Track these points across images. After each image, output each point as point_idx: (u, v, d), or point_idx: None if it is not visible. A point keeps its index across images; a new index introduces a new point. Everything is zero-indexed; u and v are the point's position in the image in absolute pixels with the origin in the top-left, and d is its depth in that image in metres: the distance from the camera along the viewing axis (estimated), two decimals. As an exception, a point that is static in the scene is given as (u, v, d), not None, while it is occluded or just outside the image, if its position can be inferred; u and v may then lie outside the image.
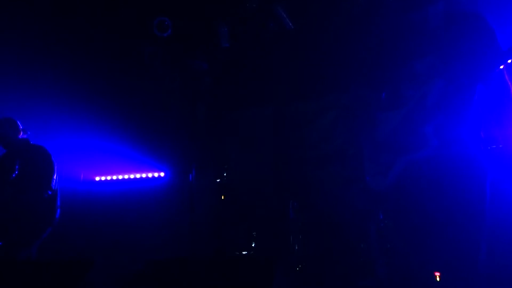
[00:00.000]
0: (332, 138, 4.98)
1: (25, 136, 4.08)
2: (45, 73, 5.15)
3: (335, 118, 5.01)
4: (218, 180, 5.41)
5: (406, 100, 2.71)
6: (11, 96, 5.19)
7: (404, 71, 2.71)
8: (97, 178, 6.08)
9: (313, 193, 4.88)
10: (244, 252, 4.96)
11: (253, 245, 4.95)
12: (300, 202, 4.79)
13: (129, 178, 5.97)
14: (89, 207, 5.71)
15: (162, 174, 5.87)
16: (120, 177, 6.01)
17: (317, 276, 4.39)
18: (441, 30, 2.64)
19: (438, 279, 2.99)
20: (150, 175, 5.90)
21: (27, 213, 3.73)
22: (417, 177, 2.70)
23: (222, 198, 5.40)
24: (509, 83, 3.07)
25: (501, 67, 2.77)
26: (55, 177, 3.95)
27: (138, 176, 5.94)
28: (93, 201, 5.81)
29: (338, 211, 4.65)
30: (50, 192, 3.85)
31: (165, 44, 4.91)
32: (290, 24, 4.60)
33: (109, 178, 6.04)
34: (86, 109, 5.56)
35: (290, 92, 5.19)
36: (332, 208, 4.70)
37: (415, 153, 2.68)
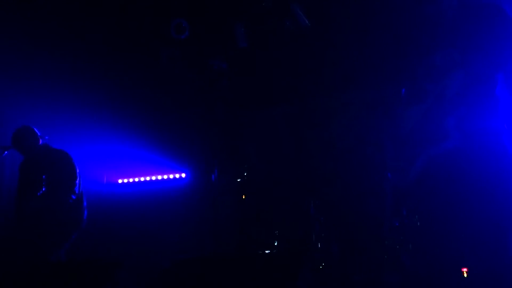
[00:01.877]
0: (353, 134, 4.95)
1: (44, 141, 4.10)
2: (66, 79, 5.25)
3: (355, 114, 4.97)
4: (238, 180, 5.44)
5: (427, 94, 2.68)
6: (40, 105, 5.31)
7: (422, 65, 2.68)
8: (120, 181, 6.16)
9: (335, 190, 4.85)
10: (267, 251, 4.97)
11: (275, 244, 4.96)
12: (322, 199, 4.77)
13: (151, 180, 6.04)
14: (113, 209, 5.80)
15: (183, 175, 5.92)
16: (142, 179, 6.08)
17: (341, 274, 4.37)
18: (458, 22, 2.61)
19: (465, 275, 2.95)
20: (171, 176, 5.96)
21: (54, 217, 3.80)
22: (440, 171, 2.66)
23: (243, 197, 5.42)
24: None
25: None
26: (78, 180, 4.00)
27: (160, 177, 6.00)
28: (117, 203, 5.90)
29: (361, 208, 4.62)
30: (74, 196, 3.91)
31: (183, 46, 4.95)
32: (307, 22, 4.59)
33: (131, 180, 6.12)
34: (107, 113, 5.65)
35: (309, 90, 5.17)
36: (355, 205, 4.67)
37: (437, 146, 2.64)
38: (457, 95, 2.56)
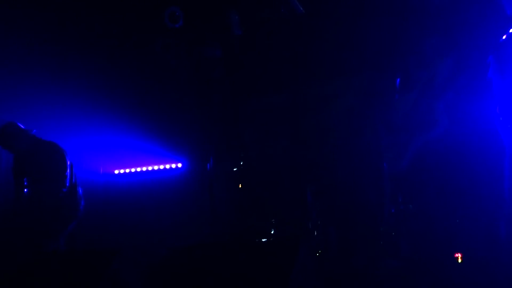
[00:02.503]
0: (348, 122, 4.95)
1: (30, 134, 4.04)
2: (61, 70, 5.22)
3: (350, 102, 4.97)
4: (235, 169, 5.44)
5: (417, 81, 2.70)
6: (30, 95, 5.28)
7: (412, 53, 2.70)
8: (116, 171, 6.16)
9: (331, 177, 4.87)
10: (263, 239, 4.99)
11: (272, 232, 4.98)
12: (318, 187, 4.79)
13: (147, 170, 6.05)
14: (110, 199, 5.81)
15: (179, 165, 5.93)
16: (139, 169, 6.08)
17: (338, 260, 4.40)
18: (447, 9, 2.61)
19: (459, 260, 2.98)
20: (168, 166, 5.97)
21: (46, 209, 3.79)
22: (431, 157, 2.69)
23: (240, 186, 5.43)
24: None
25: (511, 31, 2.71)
26: (68, 171, 3.96)
27: (156, 167, 6.01)
28: (114, 193, 5.91)
29: (357, 195, 4.64)
30: (65, 187, 3.89)
31: (177, 34, 4.91)
32: (301, 9, 4.56)
33: (128, 170, 6.12)
34: (102, 104, 5.63)
35: (304, 77, 5.16)
36: (350, 192, 4.69)
37: (427, 133, 2.67)
38: (446, 81, 2.58)
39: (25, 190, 3.81)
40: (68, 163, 4.00)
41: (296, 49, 4.99)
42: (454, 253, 2.99)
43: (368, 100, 4.55)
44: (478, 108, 2.57)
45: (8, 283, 2.82)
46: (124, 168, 6.13)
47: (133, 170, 6.11)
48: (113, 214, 5.68)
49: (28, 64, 5.03)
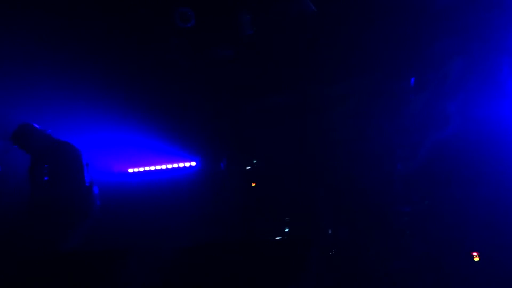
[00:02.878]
0: (358, 122, 4.92)
1: (46, 134, 4.08)
2: (74, 70, 5.27)
3: (359, 102, 4.94)
4: (247, 167, 5.45)
5: (428, 82, 2.69)
6: (44, 95, 5.34)
7: (424, 54, 2.69)
8: (130, 170, 6.22)
9: (342, 177, 4.85)
10: (277, 238, 4.99)
11: (285, 231, 4.98)
12: (330, 186, 4.77)
13: (161, 169, 6.09)
14: (123, 198, 5.86)
15: (193, 163, 5.95)
16: (152, 168, 6.13)
17: (351, 260, 4.38)
18: (458, 11, 2.59)
19: (477, 259, 2.94)
20: (181, 165, 6.00)
21: (62, 209, 3.84)
22: (444, 157, 2.67)
23: (252, 185, 5.43)
24: None
25: None
26: (84, 170, 4.01)
27: (169, 166, 6.04)
28: (127, 192, 5.96)
29: (369, 195, 4.61)
30: (82, 186, 3.93)
31: (189, 34, 4.93)
32: (313, 8, 4.54)
33: (141, 169, 6.17)
34: (115, 103, 5.67)
35: (314, 77, 5.14)
36: (363, 192, 4.66)
37: (440, 133, 2.66)
38: (457, 82, 2.57)
39: (41, 189, 3.86)
40: (84, 162, 4.04)
41: (306, 49, 4.98)
42: (471, 252, 2.95)
43: (377, 100, 4.51)
44: (490, 108, 2.54)
45: (21, 281, 2.87)
46: (138, 166, 6.19)
47: (146, 168, 6.15)
48: (127, 213, 5.73)
49: (42, 64, 5.09)
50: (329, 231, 4.62)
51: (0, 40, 4.69)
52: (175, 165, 6.04)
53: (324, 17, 4.58)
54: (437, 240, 3.25)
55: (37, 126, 4.08)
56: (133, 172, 6.21)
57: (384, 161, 4.32)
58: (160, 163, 6.09)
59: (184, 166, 6.00)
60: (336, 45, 4.75)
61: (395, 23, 2.92)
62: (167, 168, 6.07)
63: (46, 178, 3.88)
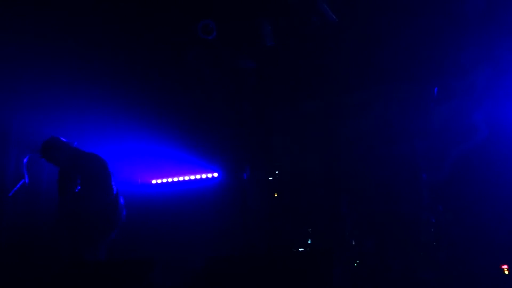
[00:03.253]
0: (383, 130, 4.87)
1: (73, 147, 4.16)
2: (99, 82, 5.37)
3: (384, 110, 4.90)
4: (270, 178, 5.44)
5: (454, 91, 2.65)
6: (69, 107, 5.46)
7: (449, 62, 2.66)
8: (154, 181, 6.28)
9: (366, 187, 4.79)
10: (300, 249, 4.96)
11: (309, 242, 4.94)
12: (354, 196, 4.73)
13: (184, 180, 6.13)
14: (147, 209, 5.91)
15: (215, 174, 5.98)
16: (176, 179, 6.18)
17: (376, 271, 4.31)
18: (485, 19, 2.56)
19: (506, 272, 2.86)
20: (204, 176, 6.03)
21: (91, 218, 3.88)
22: (472, 167, 2.62)
23: (275, 195, 5.42)
24: None
25: None
26: (111, 180, 4.07)
27: (192, 177, 6.08)
28: (151, 203, 6.01)
29: (394, 204, 4.54)
30: (109, 196, 3.98)
31: (211, 46, 4.99)
32: (334, 17, 4.53)
33: (165, 180, 6.23)
34: (139, 115, 5.75)
35: (337, 86, 5.13)
36: (388, 201, 4.60)
37: (466, 143, 2.61)
38: (484, 90, 2.53)
39: (69, 201, 3.91)
40: (111, 171, 4.10)
41: (328, 57, 4.97)
42: (500, 265, 2.87)
43: (402, 108, 4.46)
44: None
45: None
46: (161, 178, 6.24)
47: (170, 180, 6.20)
48: (151, 223, 5.77)
49: (66, 77, 5.20)
50: (353, 242, 4.56)
51: (26, 55, 4.82)
52: (198, 176, 6.07)
53: (347, 25, 4.57)
54: (464, 251, 3.17)
55: (64, 139, 4.17)
56: (157, 183, 6.27)
57: (409, 170, 4.26)
58: (183, 174, 6.14)
59: (207, 177, 6.03)
60: (358, 53, 4.74)
61: (421, 31, 2.90)
62: (190, 179, 6.11)
63: (74, 189, 3.94)
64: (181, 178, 6.14)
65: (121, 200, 4.13)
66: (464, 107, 2.58)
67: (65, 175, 4.03)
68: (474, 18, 2.58)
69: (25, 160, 4.04)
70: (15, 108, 5.21)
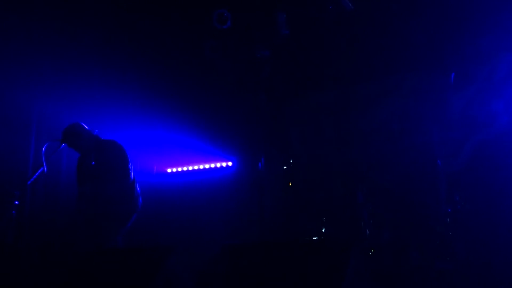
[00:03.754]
0: (399, 119, 4.82)
1: (93, 134, 4.21)
2: (115, 71, 5.41)
3: (400, 99, 4.84)
4: (284, 167, 5.44)
5: (473, 78, 2.59)
6: (88, 96, 5.52)
7: (468, 49, 2.59)
8: (169, 170, 6.33)
9: (382, 176, 4.76)
10: (314, 238, 4.96)
11: (323, 231, 4.94)
12: (369, 185, 4.70)
13: (198, 169, 6.17)
14: (163, 197, 5.97)
15: (230, 163, 6.00)
16: (190, 168, 6.22)
17: (392, 261, 4.30)
18: (507, 5, 2.49)
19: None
20: (218, 165, 6.06)
21: (110, 204, 3.94)
22: (490, 156, 2.57)
23: (289, 184, 5.42)
24: None
25: None
26: (130, 166, 4.12)
27: (207, 166, 6.12)
28: (167, 192, 6.07)
29: (410, 194, 4.51)
30: (127, 184, 4.03)
31: (226, 35, 4.98)
32: (350, 5, 4.48)
33: (180, 169, 6.28)
34: (154, 104, 5.79)
35: (353, 75, 5.08)
36: (404, 191, 4.56)
37: (486, 131, 2.55)
38: (505, 78, 2.47)
39: (88, 187, 3.97)
40: (129, 159, 4.15)
41: (344, 47, 4.92)
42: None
43: (419, 97, 4.40)
44: None
45: (67, 278, 2.97)
46: (176, 166, 6.29)
47: (185, 169, 6.25)
48: (166, 212, 5.83)
49: (84, 65, 5.25)
50: (367, 232, 4.54)
51: (45, 44, 4.87)
52: (212, 165, 6.10)
53: (363, 13, 4.51)
54: (483, 242, 3.13)
55: (86, 126, 4.24)
56: (172, 172, 6.32)
57: (426, 159, 4.21)
58: (198, 163, 6.17)
59: (221, 166, 6.06)
60: (374, 42, 4.68)
61: (439, 17, 2.83)
62: (204, 168, 6.14)
63: (93, 176, 3.99)
64: (196, 167, 6.18)
65: (138, 188, 4.18)
66: (484, 95, 2.53)
67: (84, 161, 4.08)
68: (497, 3, 2.52)
69: (43, 148, 4.09)
70: (35, 97, 5.28)
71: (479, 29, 2.55)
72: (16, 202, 3.89)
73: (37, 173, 4.08)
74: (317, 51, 5.05)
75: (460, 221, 4.10)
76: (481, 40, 2.55)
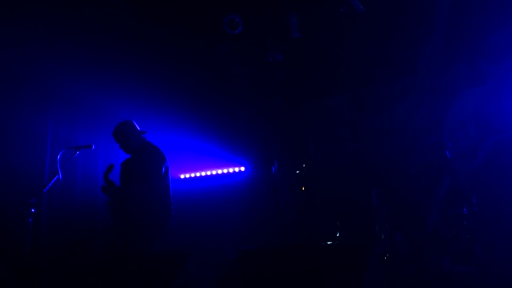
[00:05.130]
0: (414, 121, 4.78)
1: (143, 135, 4.19)
2: (130, 78, 5.45)
3: (416, 101, 4.81)
4: (297, 172, 5.42)
5: (487, 75, 2.54)
6: (102, 104, 5.56)
7: (481, 45, 2.54)
8: (182, 176, 6.35)
9: (397, 179, 4.72)
10: (329, 242, 4.93)
11: (337, 235, 4.91)
12: (384, 189, 4.66)
13: (211, 174, 6.18)
14: (177, 203, 5.98)
15: (242, 168, 6.00)
16: (203, 173, 6.23)
17: (407, 264, 4.25)
18: None
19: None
20: (231, 170, 6.06)
21: (150, 214, 3.90)
22: (507, 156, 2.51)
23: (303, 189, 5.40)
24: None
25: None
26: (163, 173, 4.07)
27: (220, 171, 6.13)
28: (180, 197, 6.08)
29: (425, 197, 4.46)
30: (161, 189, 4.00)
31: (237, 40, 4.99)
32: (361, 7, 4.47)
33: (193, 175, 6.29)
34: (167, 110, 5.82)
35: (367, 77, 5.06)
36: (419, 194, 4.52)
37: (504, 132, 2.49)
38: None
39: (131, 188, 3.94)
40: (165, 165, 4.13)
41: (357, 49, 4.90)
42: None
43: (434, 97, 4.36)
44: None
45: (91, 281, 2.99)
46: (189, 172, 6.31)
47: (198, 174, 6.26)
48: (180, 218, 5.83)
49: (97, 72, 5.29)
50: (382, 235, 4.50)
51: (62, 54, 4.92)
52: (225, 170, 6.11)
53: (374, 15, 4.50)
54: (499, 245, 3.07)
55: (138, 127, 4.23)
56: (185, 177, 6.34)
57: (441, 161, 4.16)
58: (211, 169, 6.18)
59: (234, 172, 6.06)
60: (388, 42, 4.65)
61: (449, 16, 2.79)
62: (217, 174, 6.15)
63: (133, 177, 3.92)
64: (208, 173, 6.19)
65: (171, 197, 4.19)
66: (500, 94, 2.48)
67: (128, 163, 4.05)
68: None
69: (59, 156, 4.12)
70: (51, 105, 5.33)
71: (491, 25, 2.50)
72: (33, 210, 3.91)
73: (52, 181, 4.11)
74: (331, 54, 5.04)
75: (477, 223, 4.03)
76: (493, 37, 2.50)
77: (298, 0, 4.59)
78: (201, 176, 6.25)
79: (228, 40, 4.90)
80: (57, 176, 4.11)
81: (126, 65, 5.25)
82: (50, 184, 4.16)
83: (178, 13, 4.71)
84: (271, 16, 4.76)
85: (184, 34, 5.00)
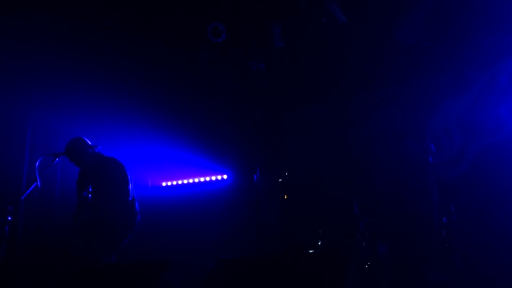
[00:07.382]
0: (395, 129, 4.84)
1: (96, 150, 4.22)
2: (111, 85, 5.41)
3: (397, 108, 4.86)
4: (280, 180, 5.42)
5: (473, 82, 2.54)
6: (82, 111, 5.50)
7: (467, 50, 2.55)
8: (164, 184, 6.30)
9: (378, 188, 4.76)
10: (310, 251, 4.93)
11: (319, 243, 4.92)
12: (365, 197, 4.69)
13: (193, 182, 6.15)
14: (158, 211, 5.93)
15: (225, 176, 5.99)
16: (186, 181, 6.20)
17: (388, 273, 4.28)
18: (508, 4, 2.46)
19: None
20: (213, 178, 6.04)
21: (108, 223, 3.90)
22: (493, 165, 2.51)
23: (285, 197, 5.40)
24: None
25: None
26: (130, 186, 4.10)
27: (202, 179, 6.10)
28: (162, 205, 6.03)
29: (406, 205, 4.50)
30: (127, 201, 3.99)
31: (220, 49, 5.00)
32: (344, 18, 4.52)
33: (175, 183, 6.25)
34: (149, 118, 5.79)
35: (349, 86, 5.10)
36: (399, 202, 4.56)
37: (489, 138, 2.49)
38: (509, 83, 2.42)
39: (87, 203, 3.93)
40: (129, 177, 4.13)
41: (339, 58, 4.95)
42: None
43: (414, 106, 4.41)
44: None
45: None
46: (171, 180, 6.27)
47: (180, 182, 6.22)
48: (161, 225, 5.79)
49: (79, 80, 5.25)
50: (364, 244, 4.52)
51: (42, 55, 4.86)
52: (207, 178, 6.09)
53: (356, 25, 4.55)
54: (480, 253, 3.08)
55: (89, 142, 4.22)
56: (167, 185, 6.29)
57: (422, 170, 4.21)
58: (193, 176, 6.15)
59: (217, 179, 6.04)
60: (373, 51, 4.70)
61: (434, 23, 2.79)
62: (199, 182, 6.12)
63: (92, 191, 3.94)
64: (191, 180, 6.16)
65: (137, 205, 4.16)
66: (486, 101, 2.47)
67: (84, 177, 4.05)
68: (497, 2, 2.48)
69: (37, 163, 4.06)
70: (30, 110, 5.26)
71: (477, 30, 2.51)
72: (9, 218, 3.83)
73: (30, 188, 4.04)
74: (313, 63, 5.08)
75: (456, 231, 4.08)
76: (480, 42, 2.51)
77: (281, 10, 4.63)
78: (183, 183, 6.22)
79: (211, 48, 4.91)
80: (35, 183, 4.04)
81: (107, 72, 5.22)
82: (28, 191, 4.09)
83: (161, 20, 4.70)
84: (254, 25, 4.79)
85: (166, 41, 4.99)
